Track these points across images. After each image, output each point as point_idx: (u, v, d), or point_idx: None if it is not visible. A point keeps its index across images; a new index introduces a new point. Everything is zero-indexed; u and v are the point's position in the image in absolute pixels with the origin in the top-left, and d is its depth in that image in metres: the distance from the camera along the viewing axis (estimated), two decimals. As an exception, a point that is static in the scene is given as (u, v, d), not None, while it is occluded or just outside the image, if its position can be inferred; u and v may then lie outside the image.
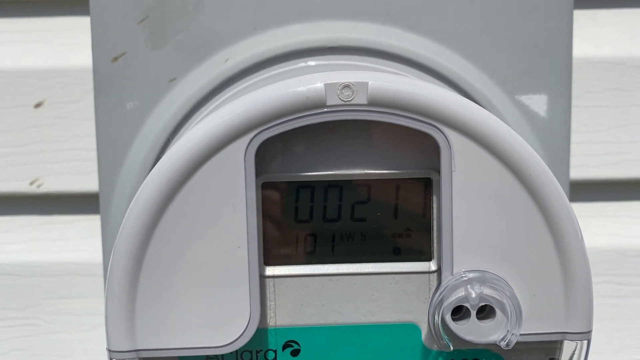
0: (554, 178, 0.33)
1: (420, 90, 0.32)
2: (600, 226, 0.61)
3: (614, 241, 0.61)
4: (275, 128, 0.32)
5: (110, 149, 0.44)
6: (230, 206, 0.32)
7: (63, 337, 0.61)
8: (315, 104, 0.32)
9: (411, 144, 0.34)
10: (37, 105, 0.58)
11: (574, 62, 0.57)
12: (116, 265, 0.33)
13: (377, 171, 0.35)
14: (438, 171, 0.34)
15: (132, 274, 0.33)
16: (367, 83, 0.32)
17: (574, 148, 0.59)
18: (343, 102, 0.32)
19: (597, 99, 0.59)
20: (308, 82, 0.32)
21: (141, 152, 0.43)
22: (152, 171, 0.33)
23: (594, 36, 0.59)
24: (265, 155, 0.34)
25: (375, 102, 0.32)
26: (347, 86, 0.32)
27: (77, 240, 0.60)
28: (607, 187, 0.60)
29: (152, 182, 0.33)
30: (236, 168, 0.32)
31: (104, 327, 0.33)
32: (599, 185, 0.60)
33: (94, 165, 0.58)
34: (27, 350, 0.61)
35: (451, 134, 0.33)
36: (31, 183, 0.59)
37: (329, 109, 0.32)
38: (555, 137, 0.44)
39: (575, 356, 0.34)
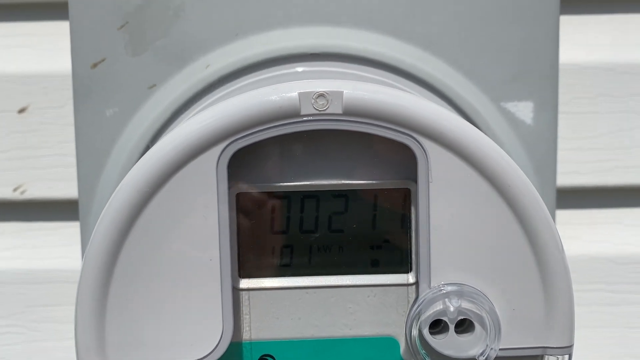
0: (534, 189, 0.32)
1: (396, 99, 0.32)
2: (590, 233, 0.61)
3: (604, 248, 0.60)
4: (248, 138, 0.32)
5: (90, 156, 0.43)
6: (202, 217, 0.32)
7: (47, 345, 0.60)
8: (289, 114, 0.32)
9: (389, 154, 0.34)
10: (21, 111, 0.58)
11: (564, 68, 0.57)
12: (85, 278, 0.32)
13: (354, 182, 0.34)
14: (416, 181, 0.33)
15: (101, 286, 0.32)
16: (342, 92, 0.31)
17: (564, 155, 0.58)
18: (317, 112, 0.32)
19: (587, 105, 0.59)
20: (282, 91, 0.32)
21: (121, 159, 0.43)
22: (123, 180, 0.32)
23: (584, 42, 0.59)
24: (240, 165, 0.34)
25: (351, 112, 0.32)
26: (321, 95, 0.31)
27: (61, 247, 0.60)
28: (598, 194, 0.60)
29: (123, 192, 0.32)
30: (208, 178, 0.32)
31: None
32: (589, 192, 0.60)
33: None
34: (11, 359, 0.60)
35: (428, 144, 0.32)
36: (15, 189, 0.59)
37: (303, 119, 0.32)
38: (541, 144, 0.44)
39: (556, 371, 0.34)
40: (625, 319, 0.61)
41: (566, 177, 0.59)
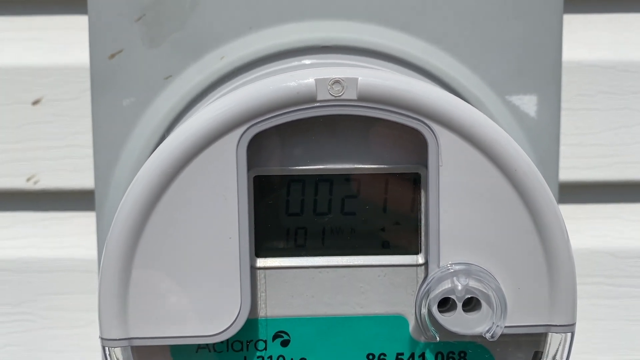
0: (539, 173, 0.34)
1: (409, 86, 0.33)
2: (591, 228, 0.61)
3: (605, 243, 0.61)
4: (266, 122, 0.33)
5: (106, 145, 0.44)
6: (221, 198, 0.33)
7: (58, 333, 0.61)
8: (306, 99, 0.33)
9: (400, 139, 0.35)
10: (35, 103, 0.59)
11: (566, 65, 0.58)
12: (109, 255, 0.33)
13: (366, 166, 0.35)
14: (426, 166, 0.34)
15: (124, 263, 0.33)
16: (356, 79, 0.33)
17: (565, 150, 0.59)
18: (333, 97, 0.33)
19: (588, 102, 0.60)
20: (299, 77, 0.33)
21: (136, 148, 0.44)
22: (145, 163, 0.33)
23: (586, 40, 0.59)
24: (257, 149, 0.35)
25: (365, 98, 0.33)
26: (337, 82, 0.33)
27: (73, 236, 0.61)
28: (598, 189, 0.61)
29: (145, 174, 0.33)
30: (228, 161, 0.33)
31: (98, 324, 0.34)
32: (590, 187, 0.61)
33: (90, 162, 0.58)
34: (22, 346, 0.61)
35: (438, 129, 0.33)
36: (28, 179, 0.60)
37: (319, 104, 0.33)
38: (544, 137, 0.45)
39: (560, 348, 0.35)
40: (626, 312, 0.62)
41: (567, 172, 0.60)
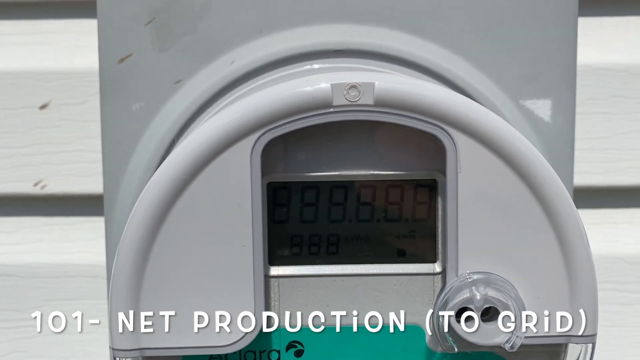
0: (559, 180, 0.33)
1: (426, 91, 0.32)
2: (603, 233, 0.61)
3: (616, 248, 0.61)
4: (281, 128, 0.33)
5: (116, 150, 0.44)
6: (235, 205, 0.32)
7: (65, 339, 0.61)
8: (322, 104, 0.32)
9: (417, 145, 0.34)
10: (43, 107, 0.58)
11: (579, 69, 0.57)
12: (121, 263, 0.33)
13: (382, 172, 0.35)
14: (443, 173, 0.34)
15: (136, 271, 0.33)
16: (373, 84, 0.32)
17: (577, 155, 0.59)
18: (349, 103, 0.32)
19: (600, 106, 0.59)
20: (315, 82, 0.32)
21: (146, 153, 0.44)
22: (158, 169, 0.33)
23: (598, 43, 0.59)
24: (271, 155, 0.34)
25: (382, 103, 0.32)
26: (353, 86, 0.32)
27: (80, 242, 0.60)
28: (610, 194, 0.61)
29: (159, 180, 0.33)
30: (242, 167, 0.33)
31: (106, 330, 0.33)
32: (602, 192, 0.60)
33: (97, 167, 0.58)
34: (28, 352, 0.61)
35: (457, 135, 0.33)
36: (35, 184, 0.59)
37: (335, 109, 0.32)
38: (559, 142, 0.44)
39: (581, 358, 0.34)
40: (637, 318, 0.61)
41: (579, 176, 0.59)
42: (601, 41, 0.59)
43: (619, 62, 0.59)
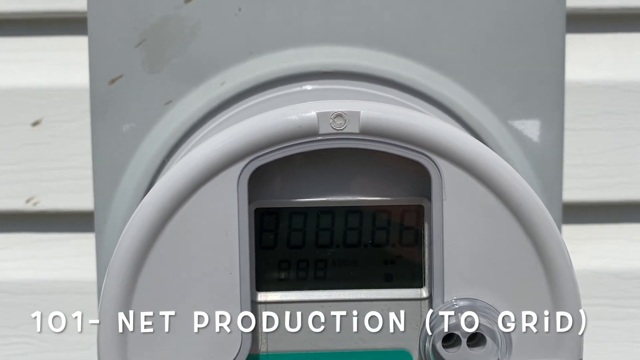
0: (544, 207, 0.33)
1: (411, 119, 0.33)
2: (595, 248, 0.61)
3: (609, 263, 0.61)
4: (268, 155, 0.33)
5: (106, 170, 0.44)
6: (222, 233, 0.33)
7: (57, 356, 0.61)
8: (308, 133, 0.33)
9: (403, 171, 0.35)
10: (35, 124, 0.59)
11: (569, 85, 0.58)
12: (109, 290, 0.33)
13: (369, 198, 0.35)
14: (429, 198, 0.34)
15: (124, 298, 0.33)
16: (359, 112, 0.32)
17: (567, 171, 0.59)
18: (335, 131, 0.33)
19: (591, 122, 0.59)
20: (301, 110, 0.33)
21: (137, 173, 0.44)
22: (146, 197, 0.33)
23: (588, 60, 0.59)
24: (259, 181, 0.34)
25: (367, 131, 0.33)
26: (339, 115, 0.32)
27: (72, 258, 0.60)
28: (602, 210, 0.61)
29: (146, 207, 0.33)
30: (229, 194, 0.33)
31: (96, 347, 0.33)
32: (593, 208, 0.61)
33: (89, 184, 0.58)
34: (20, 368, 0.61)
35: (442, 162, 0.33)
36: (27, 201, 0.59)
37: (321, 138, 0.33)
38: (548, 161, 0.45)
39: (565, 385, 0.34)
40: (630, 334, 0.61)
41: (571, 192, 0.60)
42: (592, 58, 0.59)
43: (610, 78, 0.59)
